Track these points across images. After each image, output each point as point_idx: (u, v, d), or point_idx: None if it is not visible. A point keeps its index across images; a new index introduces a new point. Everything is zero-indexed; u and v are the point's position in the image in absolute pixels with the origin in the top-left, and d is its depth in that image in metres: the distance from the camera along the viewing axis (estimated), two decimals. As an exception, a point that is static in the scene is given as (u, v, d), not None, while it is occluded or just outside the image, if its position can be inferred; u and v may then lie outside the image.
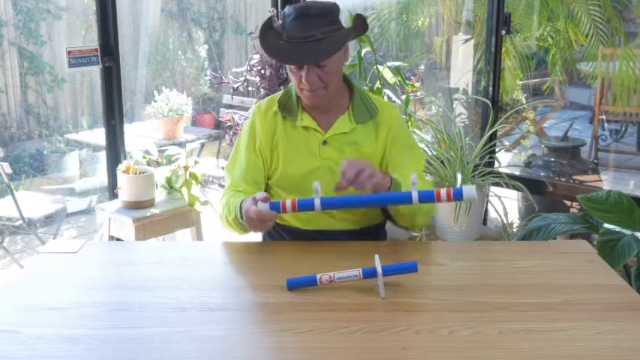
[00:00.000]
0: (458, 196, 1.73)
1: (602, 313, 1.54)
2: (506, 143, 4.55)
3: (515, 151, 4.73)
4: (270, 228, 1.86)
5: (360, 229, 2.06)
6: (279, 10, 3.59)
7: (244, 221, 1.86)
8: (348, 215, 2.03)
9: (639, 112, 5.19)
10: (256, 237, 3.19)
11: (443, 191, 1.73)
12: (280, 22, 1.95)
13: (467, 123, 4.18)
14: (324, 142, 2.02)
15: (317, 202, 1.78)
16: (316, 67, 1.89)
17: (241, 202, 1.90)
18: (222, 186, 3.63)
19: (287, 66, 1.96)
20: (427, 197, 1.74)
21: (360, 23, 1.96)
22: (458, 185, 2.80)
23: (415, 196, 1.73)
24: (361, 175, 1.76)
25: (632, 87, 4.26)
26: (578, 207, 3.44)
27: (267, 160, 2.06)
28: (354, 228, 2.05)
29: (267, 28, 1.94)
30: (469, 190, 1.72)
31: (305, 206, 1.80)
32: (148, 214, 3.05)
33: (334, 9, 1.92)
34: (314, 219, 2.01)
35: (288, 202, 1.79)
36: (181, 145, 4.98)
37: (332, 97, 1.98)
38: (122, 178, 3.09)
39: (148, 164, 3.24)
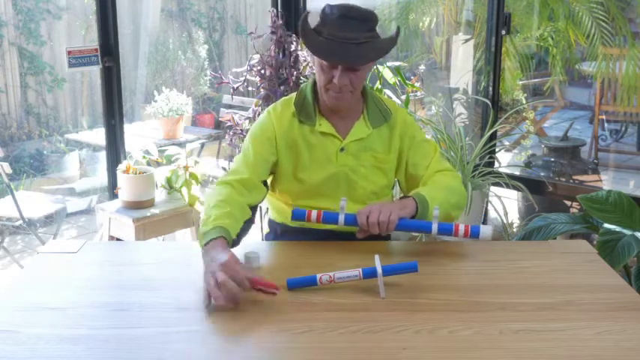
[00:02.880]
0: (475, 235, 1.84)
1: (602, 313, 1.54)
2: (506, 143, 4.56)
3: (515, 151, 4.73)
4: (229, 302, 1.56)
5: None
6: (279, 10, 3.59)
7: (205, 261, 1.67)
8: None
9: (639, 112, 5.19)
10: (256, 237, 3.19)
11: (461, 228, 1.83)
12: (319, 19, 1.93)
13: (467, 123, 4.18)
14: (342, 149, 2.00)
15: (341, 218, 1.85)
16: (350, 71, 1.88)
17: (208, 240, 1.70)
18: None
19: (317, 64, 1.92)
20: (446, 230, 1.84)
21: (397, 35, 1.97)
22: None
23: (435, 228, 1.82)
24: (380, 226, 1.81)
25: (634, 86, 4.25)
26: (578, 207, 3.44)
27: (280, 161, 2.02)
28: (356, 228, 2.04)
29: (305, 23, 1.92)
30: (486, 230, 1.84)
31: (329, 220, 1.88)
32: (148, 214, 3.05)
33: (374, 17, 1.92)
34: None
35: (314, 213, 1.87)
36: (181, 145, 4.98)
37: (353, 101, 1.99)
38: (122, 178, 3.09)
39: (148, 164, 3.24)
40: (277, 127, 2.01)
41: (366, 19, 1.89)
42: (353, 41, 1.85)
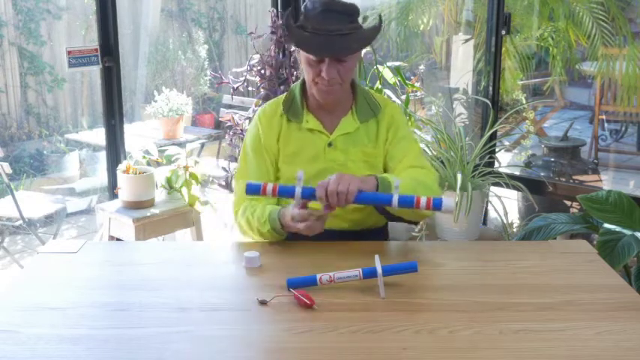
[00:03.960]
0: (437, 206, 1.76)
1: (602, 313, 1.54)
2: (506, 143, 4.55)
3: (515, 151, 4.73)
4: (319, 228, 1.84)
5: (361, 229, 2.06)
6: (279, 10, 3.59)
7: (285, 230, 1.89)
8: (351, 216, 2.02)
9: (639, 112, 5.20)
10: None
11: (423, 199, 1.76)
12: (302, 15, 1.94)
13: (467, 123, 4.18)
14: (330, 144, 2.01)
15: (298, 190, 1.80)
16: (337, 62, 1.90)
17: (277, 213, 1.91)
18: (222, 186, 3.62)
19: (304, 59, 1.94)
20: (407, 202, 1.77)
21: (380, 24, 2.00)
22: (458, 186, 2.80)
23: (395, 200, 1.76)
24: (339, 196, 1.78)
25: (634, 86, 4.25)
26: (578, 207, 3.44)
27: (275, 162, 2.05)
28: (357, 228, 2.05)
29: (290, 20, 1.94)
30: (448, 202, 1.76)
31: (285, 192, 1.83)
32: (148, 214, 3.05)
33: (356, 9, 1.94)
34: None
35: (269, 186, 1.82)
36: (181, 145, 4.98)
37: (343, 95, 2.00)
38: (122, 178, 3.09)
39: (148, 164, 3.24)
40: (266, 129, 2.04)
41: (349, 11, 1.91)
42: (337, 33, 1.87)
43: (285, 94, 2.10)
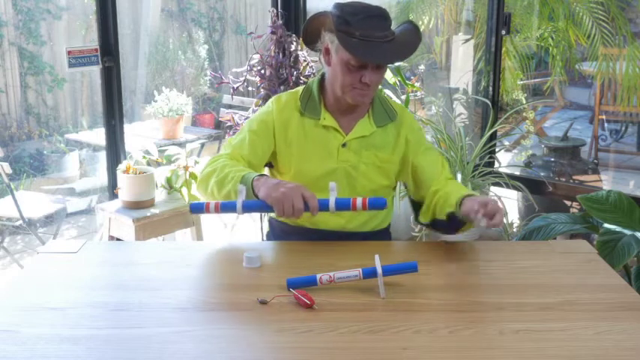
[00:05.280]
0: (375, 205, 1.80)
1: (602, 313, 1.54)
2: (506, 143, 4.56)
3: (515, 151, 4.73)
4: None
5: (365, 231, 2.06)
6: (279, 10, 3.59)
7: (266, 195, 1.78)
8: (356, 216, 2.02)
9: (639, 112, 5.20)
10: (257, 237, 3.18)
11: (359, 200, 1.79)
12: (338, 20, 1.90)
13: (467, 123, 4.18)
14: (344, 145, 2.01)
15: (239, 204, 1.80)
16: (377, 68, 1.91)
17: (253, 177, 1.83)
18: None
19: (343, 64, 1.91)
20: (344, 205, 1.80)
21: (416, 28, 2.01)
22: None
23: (332, 202, 1.78)
24: (496, 218, 1.75)
25: (633, 86, 4.25)
26: (578, 207, 3.44)
27: (278, 153, 2.04)
28: (360, 230, 2.05)
29: (339, 26, 1.90)
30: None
31: (227, 208, 1.83)
32: (148, 214, 3.05)
33: (388, 13, 1.94)
34: (321, 220, 2.00)
35: (212, 204, 1.82)
36: (181, 145, 4.97)
37: None
38: (122, 178, 3.09)
39: (148, 164, 3.24)
40: (277, 118, 2.03)
41: (386, 15, 1.92)
42: (385, 40, 1.88)
43: (301, 87, 2.09)
